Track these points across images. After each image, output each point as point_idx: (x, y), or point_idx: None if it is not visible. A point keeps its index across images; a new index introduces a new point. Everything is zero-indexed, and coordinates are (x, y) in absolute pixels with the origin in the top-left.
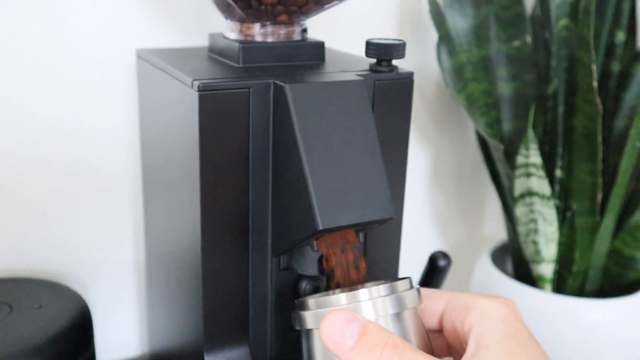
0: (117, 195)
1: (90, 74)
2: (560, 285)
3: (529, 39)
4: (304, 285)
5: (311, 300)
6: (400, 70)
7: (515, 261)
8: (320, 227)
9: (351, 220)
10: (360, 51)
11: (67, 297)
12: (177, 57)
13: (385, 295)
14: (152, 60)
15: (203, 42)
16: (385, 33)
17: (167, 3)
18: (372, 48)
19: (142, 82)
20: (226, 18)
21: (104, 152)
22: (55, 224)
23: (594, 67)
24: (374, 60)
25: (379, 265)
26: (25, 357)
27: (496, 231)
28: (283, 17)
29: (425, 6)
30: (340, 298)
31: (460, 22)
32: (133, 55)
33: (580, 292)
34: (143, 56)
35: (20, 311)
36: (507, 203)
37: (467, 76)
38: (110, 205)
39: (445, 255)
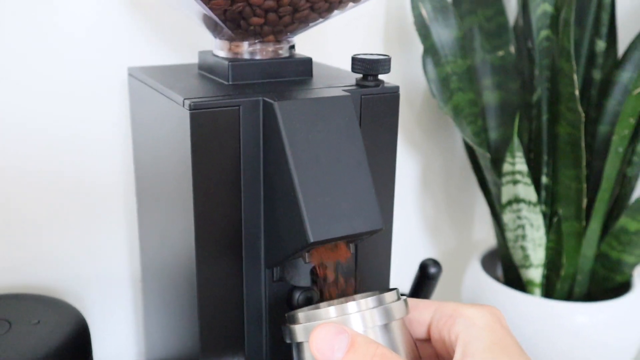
0: (111, 210)
1: (83, 91)
2: (550, 290)
3: (512, 48)
4: (297, 295)
5: (301, 314)
6: (386, 85)
7: (505, 266)
8: (312, 240)
9: (341, 233)
10: (348, 65)
11: (64, 312)
12: (167, 75)
13: (373, 308)
14: (143, 79)
15: (192, 58)
16: (371, 46)
17: (157, 22)
18: (358, 63)
19: (134, 99)
20: (215, 37)
21: (98, 168)
22: (51, 239)
23: (576, 77)
24: (360, 75)
25: (370, 273)
26: None
27: (485, 237)
28: (270, 37)
29: (410, 19)
30: (329, 311)
31: (444, 34)
32: (125, 72)
33: (569, 296)
34: (134, 74)
35: (19, 327)
36: (495, 209)
37: (453, 86)
38: (105, 219)
39: (435, 263)
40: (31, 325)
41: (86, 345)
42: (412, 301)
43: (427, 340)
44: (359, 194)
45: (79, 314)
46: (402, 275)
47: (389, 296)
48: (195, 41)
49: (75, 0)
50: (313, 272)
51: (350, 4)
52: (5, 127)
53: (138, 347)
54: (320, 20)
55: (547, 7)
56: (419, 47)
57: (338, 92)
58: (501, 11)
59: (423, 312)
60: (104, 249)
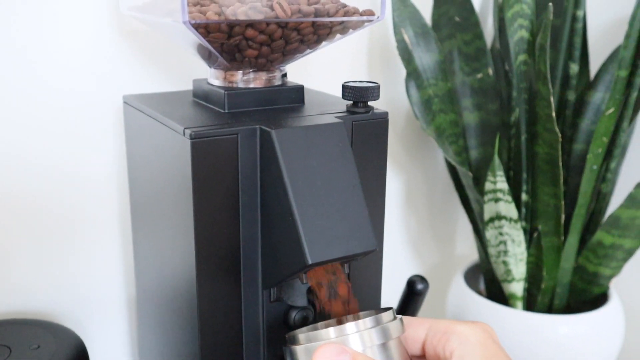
0: (107, 236)
1: (75, 119)
2: (531, 302)
3: (490, 71)
4: (294, 315)
5: (301, 335)
6: (375, 111)
7: (488, 281)
8: (310, 262)
9: (338, 254)
10: (335, 89)
11: (63, 336)
12: (163, 103)
13: (371, 327)
14: (139, 107)
15: (184, 86)
16: (356, 70)
17: (149, 51)
18: (348, 91)
19: (129, 127)
20: (210, 66)
21: (93, 197)
22: (49, 266)
23: (552, 100)
24: (350, 101)
25: (362, 290)
26: None
27: (467, 252)
28: (263, 67)
29: (393, 44)
30: (329, 332)
31: (426, 58)
32: (118, 100)
33: (549, 308)
34: (130, 102)
35: (20, 353)
36: (478, 226)
37: (435, 108)
38: (101, 246)
39: (422, 279)
40: (31, 350)
41: None
42: (406, 319)
43: (422, 356)
44: (353, 216)
45: (78, 337)
46: (387, 289)
47: (385, 316)
48: (186, 69)
49: (65, 28)
50: (309, 291)
51: (338, 35)
52: (3, 155)
53: None
54: (309, 51)
55: (524, 33)
56: (401, 71)
57: (331, 119)
58: (479, 35)
59: (417, 329)
60: (101, 274)
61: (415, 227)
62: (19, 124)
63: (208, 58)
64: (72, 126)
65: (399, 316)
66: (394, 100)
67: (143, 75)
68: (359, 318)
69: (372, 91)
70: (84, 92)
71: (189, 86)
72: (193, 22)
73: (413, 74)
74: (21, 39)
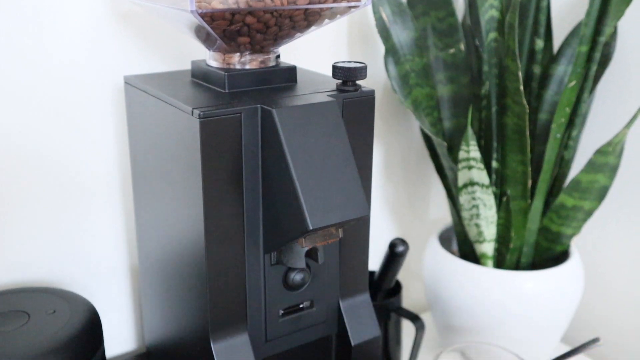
0: (112, 210)
1: (78, 97)
2: (500, 261)
3: (462, 46)
4: (293, 276)
5: None
6: (363, 89)
7: (460, 242)
8: (311, 227)
9: (336, 220)
10: (319, 66)
11: (76, 302)
12: (165, 83)
13: None
14: (142, 87)
15: (177, 65)
16: (338, 48)
17: (144, 33)
18: (339, 71)
19: (131, 106)
20: (208, 49)
21: (97, 175)
22: (59, 239)
23: (520, 74)
24: (340, 80)
25: (352, 252)
26: (47, 357)
27: (441, 217)
28: (259, 49)
29: (371, 22)
30: None
31: (403, 35)
32: (117, 80)
33: (517, 266)
34: (131, 82)
35: (38, 318)
36: (451, 192)
37: (412, 82)
38: (106, 219)
39: (403, 242)
40: (47, 315)
41: (99, 331)
42: None
43: None
44: (348, 186)
45: (90, 303)
46: (370, 251)
47: None
48: (180, 50)
49: (61, 11)
50: (306, 254)
51: (326, 20)
52: (9, 136)
53: (138, 330)
54: (299, 35)
55: (495, 13)
56: (379, 48)
57: (324, 97)
58: (452, 12)
59: None
60: (107, 245)
61: (393, 193)
62: (20, 105)
63: (206, 41)
64: (73, 105)
65: None
66: (373, 76)
67: (137, 56)
68: None
69: (361, 71)
70: (82, 72)
71: (182, 66)
72: (200, 11)
73: (391, 50)
74: (16, 22)
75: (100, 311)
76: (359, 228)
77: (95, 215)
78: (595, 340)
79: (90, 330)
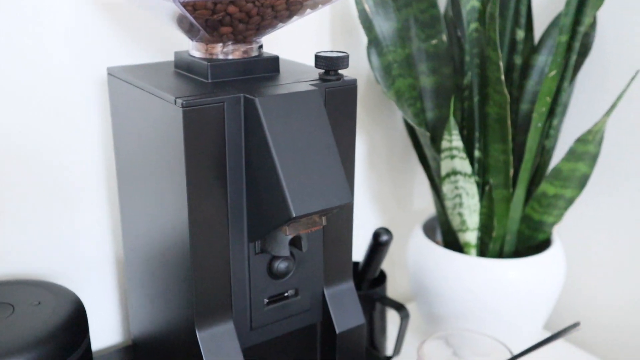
0: (97, 204)
1: (61, 88)
2: (483, 249)
3: (444, 37)
4: (277, 264)
5: None
6: (345, 78)
7: (444, 232)
8: (294, 215)
9: (319, 207)
10: (301, 57)
11: (62, 294)
12: (148, 74)
13: None
14: (125, 78)
15: (159, 57)
16: (320, 39)
17: (126, 24)
18: (321, 60)
19: (114, 97)
20: (191, 39)
21: (82, 165)
22: (44, 230)
23: (501, 64)
24: (322, 70)
25: (336, 241)
26: (32, 348)
27: (425, 207)
28: (242, 39)
29: (354, 14)
30: None
31: (385, 26)
32: (99, 71)
33: (500, 254)
34: (114, 73)
35: (22, 309)
36: (435, 182)
37: (395, 73)
38: (91, 211)
39: (387, 231)
40: (32, 307)
41: (84, 322)
42: None
43: None
44: (330, 174)
45: (75, 294)
46: (354, 241)
47: None
48: (160, 41)
49: (43, 2)
50: (290, 243)
51: (308, 10)
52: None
53: (124, 323)
54: (282, 25)
55: (475, 3)
56: (361, 39)
57: (307, 86)
58: (434, 4)
59: None
60: (92, 237)
61: (377, 184)
62: (2, 99)
63: (189, 31)
64: (56, 97)
65: None
66: (357, 67)
67: (119, 48)
68: None
69: (343, 60)
70: (64, 64)
71: (165, 58)
72: (182, 0)
73: (374, 41)
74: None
75: (86, 304)
76: (343, 216)
77: (80, 207)
78: (575, 325)
79: (75, 321)
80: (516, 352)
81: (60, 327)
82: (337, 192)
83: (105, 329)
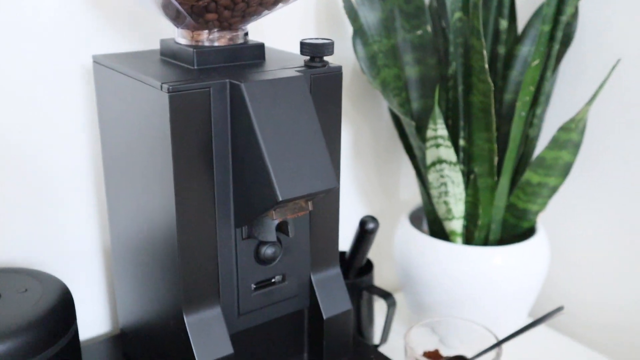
0: (84, 194)
1: (43, 80)
2: (469, 238)
3: (429, 28)
4: (264, 249)
5: None
6: (330, 65)
7: (430, 221)
8: (280, 199)
9: (305, 192)
10: (287, 45)
11: (48, 281)
12: (134, 61)
13: None
14: (111, 65)
15: (144, 45)
16: (305, 28)
17: (115, 12)
18: (306, 47)
19: (100, 85)
20: (177, 26)
21: (69, 155)
22: (30, 221)
23: (485, 53)
24: (308, 57)
25: (322, 229)
26: (20, 334)
27: (411, 197)
28: (227, 26)
29: (339, 4)
30: None
31: (370, 16)
32: (83, 59)
33: (485, 242)
34: (100, 61)
35: (9, 296)
36: (420, 171)
37: (380, 63)
38: (78, 200)
39: (373, 219)
40: (19, 294)
41: (71, 309)
42: None
43: None
44: (316, 159)
45: (62, 282)
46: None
47: None
48: (146, 29)
49: None
50: (277, 228)
51: None
52: None
53: (112, 312)
54: (267, 12)
55: None
56: (347, 29)
57: (292, 73)
58: None
59: None
60: (79, 228)
61: (364, 174)
62: None
63: (175, 19)
64: (41, 87)
65: None
66: (342, 57)
67: (105, 37)
68: None
69: (328, 47)
70: (47, 53)
71: (151, 46)
72: None
73: (359, 31)
74: None
75: (74, 294)
76: (329, 202)
77: (67, 196)
78: (559, 309)
79: (62, 308)
80: (501, 338)
81: (47, 314)
82: (323, 177)
83: (93, 319)
